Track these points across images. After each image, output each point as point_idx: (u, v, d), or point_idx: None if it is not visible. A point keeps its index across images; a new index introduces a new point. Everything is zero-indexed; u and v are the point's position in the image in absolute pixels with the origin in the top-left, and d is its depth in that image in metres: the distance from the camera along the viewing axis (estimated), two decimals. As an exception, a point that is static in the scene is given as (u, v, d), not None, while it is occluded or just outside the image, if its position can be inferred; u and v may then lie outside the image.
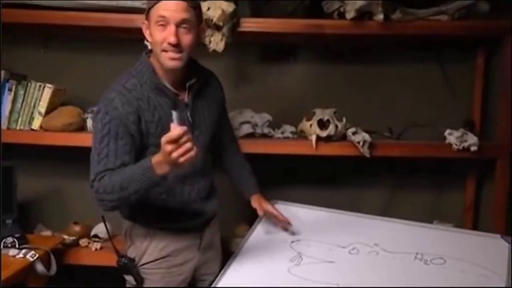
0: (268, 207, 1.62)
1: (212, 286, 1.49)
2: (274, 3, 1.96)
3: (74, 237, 1.95)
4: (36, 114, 1.93)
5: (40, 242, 1.78)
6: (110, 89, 1.34)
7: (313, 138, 1.87)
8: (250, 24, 1.89)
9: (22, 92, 1.93)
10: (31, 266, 1.60)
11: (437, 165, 2.12)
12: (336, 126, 1.88)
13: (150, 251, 1.43)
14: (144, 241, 1.43)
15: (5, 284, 1.46)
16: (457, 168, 2.13)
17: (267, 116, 2.03)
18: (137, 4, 1.94)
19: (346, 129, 1.91)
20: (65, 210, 2.17)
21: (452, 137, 1.87)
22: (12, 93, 1.93)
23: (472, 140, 1.85)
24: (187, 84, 1.38)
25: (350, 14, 1.82)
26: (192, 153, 1.14)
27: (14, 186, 1.92)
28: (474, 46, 2.07)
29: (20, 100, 1.93)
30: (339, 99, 2.08)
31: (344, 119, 1.92)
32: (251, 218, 1.79)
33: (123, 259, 1.42)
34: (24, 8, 1.90)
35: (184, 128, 1.13)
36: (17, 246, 1.64)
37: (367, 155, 1.86)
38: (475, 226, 2.13)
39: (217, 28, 1.79)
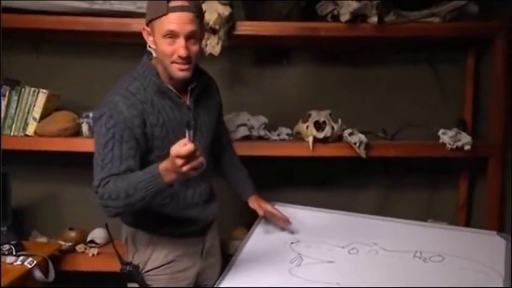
0: (267, 207, 1.63)
1: (215, 287, 1.50)
2: (269, 6, 1.98)
3: (70, 243, 1.94)
4: (30, 120, 1.91)
5: (36, 248, 1.76)
6: (112, 92, 1.33)
7: (310, 139, 1.88)
8: (246, 28, 1.90)
9: (16, 98, 1.91)
10: (29, 273, 1.58)
11: (431, 165, 2.15)
12: (332, 128, 1.90)
13: (154, 257, 1.42)
14: (148, 248, 1.42)
15: (2, 292, 1.44)
16: (450, 167, 2.16)
17: (263, 119, 2.04)
18: (131, 8, 1.94)
19: (342, 130, 1.93)
20: (60, 216, 2.15)
21: (446, 136, 1.90)
22: (6, 99, 1.91)
23: (465, 139, 1.88)
24: (189, 88, 1.38)
25: (345, 17, 1.84)
26: (202, 166, 1.14)
27: (9, 193, 1.90)
28: (465, 47, 2.11)
29: (14, 106, 1.91)
30: (334, 101, 2.10)
31: (340, 121, 1.94)
32: (248, 221, 1.80)
33: (128, 266, 1.40)
34: (16, 12, 1.89)
35: (196, 145, 1.13)
36: (14, 253, 1.62)
37: (364, 156, 1.89)
38: (468, 224, 2.15)
39: (214, 31, 1.80)
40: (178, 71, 1.30)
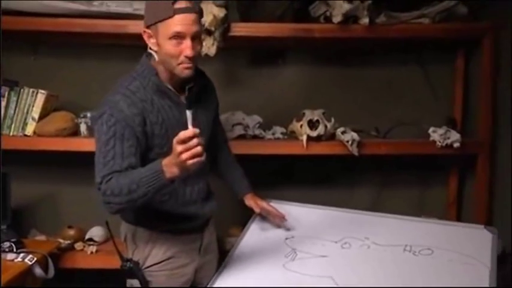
0: (263, 204, 1.67)
1: (211, 283, 1.53)
2: (263, 7, 2.02)
3: (69, 241, 1.97)
4: (29, 120, 1.94)
5: (36, 246, 1.79)
6: (112, 91, 1.35)
7: (304, 138, 1.93)
8: (240, 29, 1.94)
9: (15, 98, 1.94)
10: (29, 269, 1.61)
11: (422, 162, 2.20)
12: (325, 126, 1.94)
13: (154, 253, 1.45)
14: (148, 244, 1.45)
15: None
16: (440, 164, 2.21)
17: (257, 118, 2.08)
18: (127, 10, 1.97)
19: (335, 129, 1.97)
20: (58, 215, 2.18)
21: (436, 134, 1.95)
22: (5, 99, 1.93)
23: (455, 136, 1.93)
24: (187, 87, 1.42)
25: (337, 18, 1.89)
26: (200, 158, 1.15)
27: (8, 192, 1.93)
28: (455, 47, 2.16)
29: (13, 106, 1.94)
30: (328, 100, 2.14)
31: (333, 119, 1.98)
32: (244, 218, 1.83)
33: (128, 263, 1.43)
34: (14, 14, 1.92)
35: (197, 130, 1.15)
36: (14, 250, 1.65)
37: (356, 154, 1.93)
38: (459, 219, 2.20)
39: (209, 33, 1.84)
40: (185, 70, 1.33)
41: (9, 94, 1.94)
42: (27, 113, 1.94)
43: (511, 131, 2.12)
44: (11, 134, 1.95)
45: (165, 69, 1.37)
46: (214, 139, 1.62)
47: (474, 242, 1.52)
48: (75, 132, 2.00)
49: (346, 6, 1.84)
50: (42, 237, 2.01)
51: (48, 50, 2.14)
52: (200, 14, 1.36)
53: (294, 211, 1.77)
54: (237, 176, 1.71)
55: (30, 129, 1.94)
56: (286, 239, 1.68)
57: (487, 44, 2.01)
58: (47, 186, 2.17)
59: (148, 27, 1.35)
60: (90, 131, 1.98)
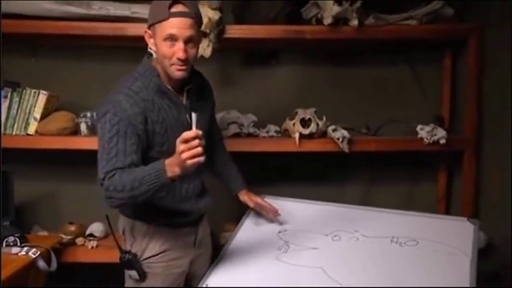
0: (257, 199, 1.74)
1: (207, 274, 1.60)
2: (257, 10, 2.09)
3: (70, 237, 2.03)
4: (31, 120, 2.00)
5: (39, 241, 1.85)
6: (115, 91, 1.41)
7: (296, 135, 2.00)
8: (235, 31, 2.01)
9: (17, 99, 2.00)
10: (33, 262, 1.67)
11: (412, 159, 2.26)
12: (317, 124, 2.01)
13: (151, 246, 1.51)
14: (145, 238, 1.51)
15: (9, 280, 1.53)
16: (429, 161, 2.28)
17: (252, 117, 2.14)
18: (126, 13, 2.04)
19: (327, 127, 2.04)
20: (58, 212, 2.24)
21: (424, 131, 2.02)
22: (8, 100, 2.00)
23: (441, 133, 2.00)
24: (186, 88, 1.48)
25: (327, 20, 1.95)
26: (200, 158, 1.21)
27: (11, 189, 1.99)
28: (442, 48, 2.23)
29: (15, 106, 2.00)
30: (319, 99, 2.21)
31: (324, 118, 2.05)
32: (238, 214, 1.89)
33: (127, 255, 1.48)
34: (15, 17, 1.98)
35: (199, 132, 1.21)
36: (18, 244, 1.71)
37: (347, 150, 2.00)
38: (447, 214, 2.27)
39: (204, 35, 1.90)
40: (177, 71, 1.39)
41: (11, 95, 2.00)
42: (29, 113, 2.00)
43: (496, 128, 2.19)
44: (14, 133, 2.01)
45: (163, 70, 1.43)
46: (210, 138, 1.68)
47: (457, 233, 1.58)
48: (75, 132, 2.06)
49: (336, 9, 1.90)
50: (44, 233, 2.07)
51: (49, 52, 2.20)
52: (198, 19, 1.40)
53: (287, 206, 1.83)
54: (232, 173, 1.77)
55: (32, 129, 2.01)
56: (279, 232, 1.75)
57: (472, 44, 2.08)
58: (49, 184, 2.24)
59: (149, 28, 1.42)
60: (90, 130, 2.04)
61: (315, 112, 2.04)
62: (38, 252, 1.69)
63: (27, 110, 2.01)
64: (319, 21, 2.03)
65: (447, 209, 2.30)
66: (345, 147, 1.99)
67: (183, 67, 1.39)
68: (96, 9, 2.01)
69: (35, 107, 2.00)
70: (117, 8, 2.02)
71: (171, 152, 1.39)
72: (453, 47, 2.22)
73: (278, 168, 2.25)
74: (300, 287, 1.49)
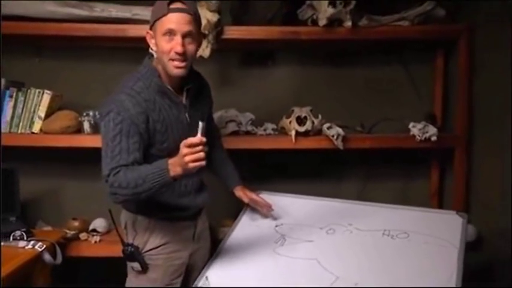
0: (252, 195, 1.80)
1: (207, 266, 1.67)
2: (254, 12, 2.15)
3: (74, 232, 2.09)
4: (36, 119, 2.06)
5: (44, 235, 1.91)
6: (118, 91, 1.46)
7: (293, 133, 2.06)
8: (233, 32, 2.06)
9: (22, 98, 2.06)
10: (39, 256, 1.73)
11: (405, 156, 2.32)
12: (313, 122, 2.07)
13: (152, 239, 1.57)
14: (146, 231, 1.57)
15: (16, 272, 1.59)
16: (422, 158, 2.34)
17: (250, 115, 2.20)
18: (127, 15, 2.09)
19: (322, 124, 2.10)
20: (62, 208, 2.30)
21: (416, 129, 2.08)
22: (13, 99, 2.06)
23: (432, 131, 2.07)
24: (185, 88, 1.54)
25: (322, 22, 2.02)
26: (202, 162, 1.28)
27: (17, 186, 2.05)
28: (434, 48, 2.29)
29: (20, 106, 2.06)
30: (315, 98, 2.27)
31: (320, 116, 2.11)
32: (236, 211, 1.95)
33: (129, 247, 1.55)
34: (20, 19, 2.03)
35: (204, 139, 1.29)
36: (25, 238, 1.77)
37: (341, 147, 2.06)
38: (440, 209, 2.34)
39: (203, 36, 1.96)
40: (175, 68, 1.43)
41: (17, 94, 2.06)
42: (34, 112, 2.06)
43: (487, 125, 2.25)
44: (19, 131, 2.06)
45: (164, 69, 1.48)
46: (207, 136, 1.74)
47: (446, 226, 1.64)
48: (78, 130, 2.12)
49: (330, 10, 1.97)
50: (48, 228, 2.13)
51: (52, 52, 2.26)
52: (196, 16, 1.46)
53: (284, 201, 1.89)
54: (229, 170, 1.83)
55: (36, 127, 2.06)
56: (276, 226, 1.81)
57: (463, 44, 2.14)
58: (53, 181, 2.29)
59: (150, 28, 1.48)
60: (93, 128, 2.10)
61: (311, 110, 2.10)
62: (44, 246, 1.75)
63: (32, 109, 2.06)
64: (315, 23, 2.08)
65: (440, 204, 2.36)
66: (339, 144, 2.05)
67: (182, 64, 1.43)
68: (98, 11, 2.06)
69: (39, 106, 2.06)
70: (118, 10, 2.07)
71: (171, 149, 1.46)
72: (445, 47, 2.28)
73: (275, 165, 2.31)
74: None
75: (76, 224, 2.13)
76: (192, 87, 1.56)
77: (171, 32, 1.42)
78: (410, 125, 2.11)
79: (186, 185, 1.59)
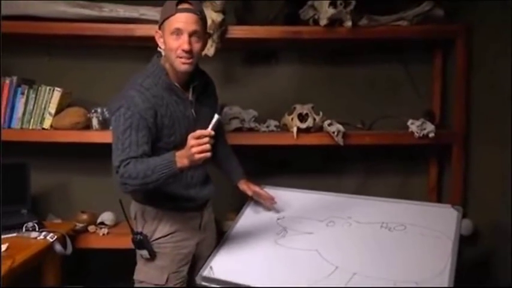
0: (255, 188, 1.87)
1: (212, 255, 1.74)
2: (257, 12, 2.21)
3: (83, 224, 2.16)
4: (47, 115, 2.12)
5: (54, 227, 1.98)
6: (128, 87, 1.53)
7: (294, 129, 2.12)
8: (237, 32, 2.12)
9: (33, 95, 2.13)
10: (50, 246, 1.81)
11: (404, 153, 2.37)
12: (314, 119, 2.13)
13: (161, 228, 1.64)
14: (155, 220, 1.64)
15: (28, 262, 1.67)
16: (421, 154, 2.39)
17: (253, 112, 2.25)
18: (134, 15, 2.16)
19: (323, 121, 2.16)
20: (71, 202, 2.37)
21: (414, 125, 2.14)
22: (25, 96, 2.12)
23: (430, 127, 2.12)
24: (192, 86, 1.61)
25: (323, 21, 2.07)
26: (207, 154, 1.36)
27: (28, 180, 2.12)
28: (432, 47, 2.34)
29: (31, 102, 2.13)
30: (316, 96, 2.31)
31: (321, 113, 2.17)
32: (240, 204, 2.01)
33: (138, 236, 1.61)
34: (30, 19, 2.10)
35: (212, 132, 1.36)
36: (37, 229, 1.85)
37: (341, 143, 2.12)
38: (438, 204, 2.40)
39: (208, 35, 2.02)
40: (182, 64, 1.51)
41: (28, 92, 2.13)
42: (44, 108, 2.13)
43: (484, 122, 2.30)
44: (31, 127, 2.13)
45: (171, 67, 1.55)
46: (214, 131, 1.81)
47: (442, 218, 1.70)
48: (87, 126, 2.18)
49: (331, 11, 2.02)
50: (58, 221, 2.20)
51: (62, 51, 2.32)
52: (202, 16, 1.53)
53: (286, 195, 1.96)
54: (233, 165, 1.90)
55: (47, 123, 2.13)
56: (278, 219, 1.88)
57: (461, 44, 2.19)
58: (62, 175, 2.36)
59: (159, 28, 1.55)
60: (101, 125, 2.17)
61: (312, 108, 2.15)
62: (55, 237, 1.82)
63: (43, 106, 2.13)
64: (316, 23, 2.14)
65: (438, 199, 2.40)
66: (339, 140, 2.11)
67: (188, 60, 1.51)
68: (106, 12, 2.13)
69: (50, 102, 2.12)
70: (126, 10, 2.13)
71: (177, 143, 1.53)
72: (443, 46, 2.33)
73: (278, 161, 2.37)
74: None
75: (85, 217, 2.19)
76: (198, 84, 1.63)
77: (178, 31, 1.49)
78: (409, 122, 2.17)
79: (193, 176, 1.66)
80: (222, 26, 2.07)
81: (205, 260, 1.74)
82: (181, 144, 1.46)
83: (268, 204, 1.90)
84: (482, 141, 2.31)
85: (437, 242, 1.61)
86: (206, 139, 1.36)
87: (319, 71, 2.38)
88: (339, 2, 2.03)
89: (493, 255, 2.30)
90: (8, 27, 2.09)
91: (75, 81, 2.30)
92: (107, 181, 2.19)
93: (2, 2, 2.07)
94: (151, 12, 2.13)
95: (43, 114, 2.13)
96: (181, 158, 1.40)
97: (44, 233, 1.83)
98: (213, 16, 2.00)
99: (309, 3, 2.16)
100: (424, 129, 2.12)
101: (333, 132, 2.10)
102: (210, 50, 2.04)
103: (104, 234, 2.15)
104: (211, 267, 1.71)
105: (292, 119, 2.15)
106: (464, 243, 2.20)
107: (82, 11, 2.12)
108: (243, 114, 2.23)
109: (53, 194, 2.36)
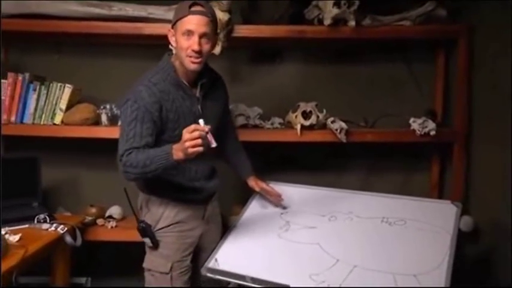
0: (263, 184, 1.92)
1: (217, 248, 1.79)
2: (263, 11, 2.26)
3: (91, 218, 2.22)
4: (57, 111, 2.18)
5: (65, 220, 2.02)
6: (138, 82, 1.60)
7: (298, 127, 2.17)
8: (242, 31, 2.17)
9: (45, 92, 2.19)
10: (61, 237, 1.86)
11: (407, 150, 2.40)
12: (317, 117, 2.17)
13: (165, 217, 1.70)
14: (159, 209, 1.70)
15: (40, 252, 1.73)
16: (423, 152, 2.42)
17: (258, 110, 2.30)
18: (143, 14, 2.21)
19: (326, 119, 2.20)
20: (80, 195, 2.43)
21: (416, 123, 2.18)
22: (37, 92, 2.18)
23: (431, 126, 2.16)
24: (199, 83, 1.67)
25: (327, 21, 2.12)
26: (199, 148, 1.41)
27: (39, 174, 2.18)
28: (435, 47, 2.37)
29: (43, 98, 2.18)
30: (320, 94, 2.36)
31: (324, 111, 2.21)
32: (245, 197, 2.06)
33: (142, 224, 1.68)
34: (41, 18, 2.15)
35: (206, 127, 1.42)
36: (48, 221, 1.91)
37: (344, 141, 2.16)
38: (440, 202, 2.43)
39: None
40: (191, 64, 1.58)
41: (40, 88, 2.19)
42: (55, 104, 2.18)
43: (485, 121, 2.34)
44: (42, 123, 2.19)
45: (180, 65, 1.61)
46: (223, 127, 1.85)
47: (441, 214, 1.74)
48: (96, 122, 2.23)
49: (335, 11, 2.07)
50: (68, 214, 2.26)
51: (72, 49, 2.38)
52: (213, 19, 1.59)
53: (289, 191, 2.00)
54: (242, 160, 1.95)
55: (58, 119, 2.19)
56: (281, 213, 1.93)
57: (463, 43, 2.23)
58: (72, 169, 2.42)
59: (172, 27, 1.62)
60: (110, 121, 2.23)
61: (316, 105, 2.19)
62: (66, 228, 1.88)
63: (54, 102, 2.19)
64: (320, 22, 2.18)
65: (440, 196, 2.42)
66: (342, 137, 2.15)
67: (197, 60, 1.57)
68: (116, 10, 2.18)
69: (61, 99, 2.18)
70: (135, 9, 2.18)
71: (181, 137, 1.58)
72: (446, 46, 2.36)
73: (281, 157, 2.41)
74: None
75: (93, 210, 2.25)
76: (206, 82, 1.68)
77: (189, 32, 1.55)
78: (411, 120, 2.20)
79: (197, 170, 1.72)
80: (229, 25, 2.11)
81: (210, 252, 1.79)
82: None
83: (275, 200, 1.95)
84: (483, 140, 2.34)
85: (436, 236, 1.66)
86: (197, 133, 1.41)
87: (323, 69, 2.42)
88: (342, 2, 2.07)
89: (494, 253, 2.33)
90: (20, 25, 2.15)
91: (84, 79, 2.35)
92: (115, 176, 2.18)
93: (14, 2, 2.13)
94: (159, 11, 2.19)
95: (54, 110, 2.19)
96: (177, 151, 1.46)
97: (54, 225, 1.88)
98: (219, 15, 2.04)
99: (314, 3, 2.20)
100: (426, 127, 2.16)
101: (336, 130, 2.14)
102: (216, 48, 2.07)
103: (112, 227, 2.21)
104: (216, 259, 1.77)
105: (296, 116, 2.19)
106: (465, 241, 2.24)
107: (92, 9, 2.17)
108: (248, 111, 2.28)
109: (63, 188, 2.42)
